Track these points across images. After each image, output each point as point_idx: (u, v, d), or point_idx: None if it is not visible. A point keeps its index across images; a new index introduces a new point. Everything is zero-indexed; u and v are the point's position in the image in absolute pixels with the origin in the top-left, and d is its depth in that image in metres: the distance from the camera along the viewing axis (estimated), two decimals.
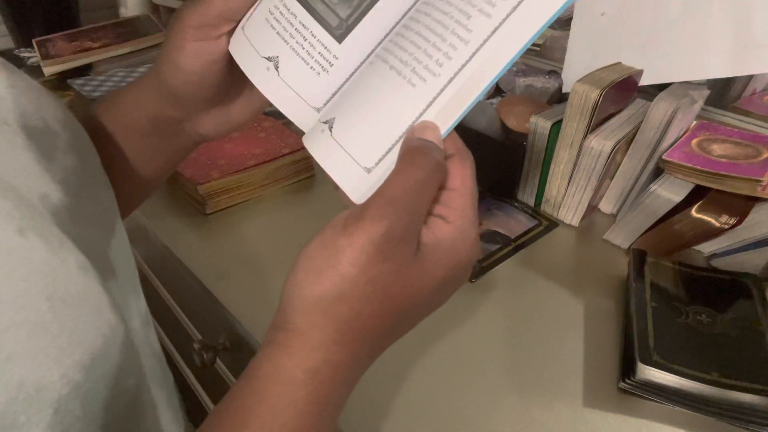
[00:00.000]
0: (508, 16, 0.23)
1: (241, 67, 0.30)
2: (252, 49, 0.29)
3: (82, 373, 0.19)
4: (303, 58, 0.28)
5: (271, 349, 0.24)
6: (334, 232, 0.23)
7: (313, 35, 0.28)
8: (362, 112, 0.26)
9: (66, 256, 0.19)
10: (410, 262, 0.23)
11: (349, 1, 0.27)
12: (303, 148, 0.83)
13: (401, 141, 0.25)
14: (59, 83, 0.98)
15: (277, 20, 0.28)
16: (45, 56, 0.99)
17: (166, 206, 0.71)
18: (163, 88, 0.33)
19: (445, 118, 0.25)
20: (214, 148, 0.73)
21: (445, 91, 0.24)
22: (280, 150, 0.73)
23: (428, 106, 0.25)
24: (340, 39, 0.27)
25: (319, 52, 0.28)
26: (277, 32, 0.28)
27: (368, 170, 0.25)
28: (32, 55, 1.10)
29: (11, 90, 0.24)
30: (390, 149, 0.25)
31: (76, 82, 0.95)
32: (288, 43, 0.28)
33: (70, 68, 0.98)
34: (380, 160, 0.25)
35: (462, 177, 0.25)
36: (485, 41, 0.23)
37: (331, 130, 0.26)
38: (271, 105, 0.34)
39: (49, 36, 1.06)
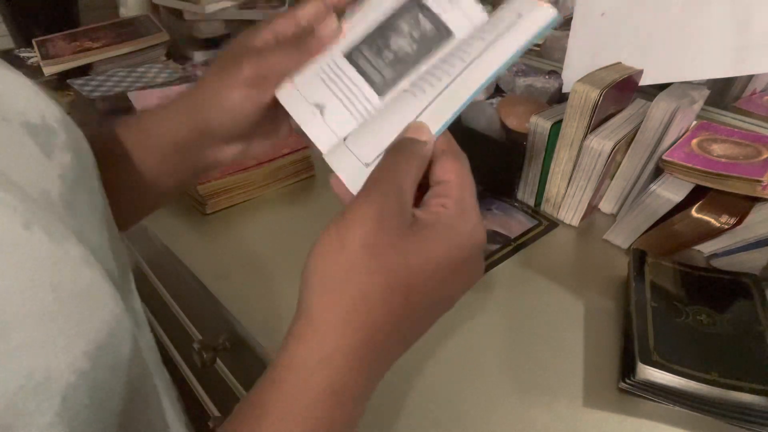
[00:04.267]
0: (471, 62, 0.30)
1: (288, 110, 0.33)
2: (300, 96, 0.33)
3: (89, 362, 0.19)
4: (347, 108, 0.32)
5: (288, 340, 0.25)
6: (335, 220, 0.26)
7: (360, 90, 0.32)
8: (372, 123, 0.31)
9: (70, 249, 0.20)
10: (405, 233, 0.25)
11: (395, 66, 0.33)
12: (303, 148, 0.83)
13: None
14: (59, 83, 0.98)
15: (328, 75, 0.33)
16: (45, 56, 0.99)
17: (166, 206, 0.71)
18: (199, 120, 0.35)
19: (435, 120, 0.29)
20: None
21: (433, 102, 0.29)
22: (280, 150, 0.73)
23: (422, 112, 0.29)
24: (381, 93, 0.32)
25: (362, 104, 0.32)
26: (327, 85, 0.33)
27: (367, 165, 0.29)
28: (32, 55, 1.10)
29: (11, 87, 0.24)
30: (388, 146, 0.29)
31: (76, 82, 0.95)
32: (336, 95, 0.32)
33: (70, 68, 0.98)
34: (378, 156, 0.29)
35: (457, 170, 0.28)
36: (464, 69, 0.30)
37: (345, 140, 0.31)
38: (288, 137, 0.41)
39: (49, 36, 1.05)
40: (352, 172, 0.29)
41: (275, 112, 0.35)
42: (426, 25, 0.33)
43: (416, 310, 0.26)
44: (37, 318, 0.18)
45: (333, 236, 0.25)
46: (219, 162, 0.39)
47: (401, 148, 0.28)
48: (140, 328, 0.31)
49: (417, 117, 0.29)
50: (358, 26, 0.34)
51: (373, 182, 0.26)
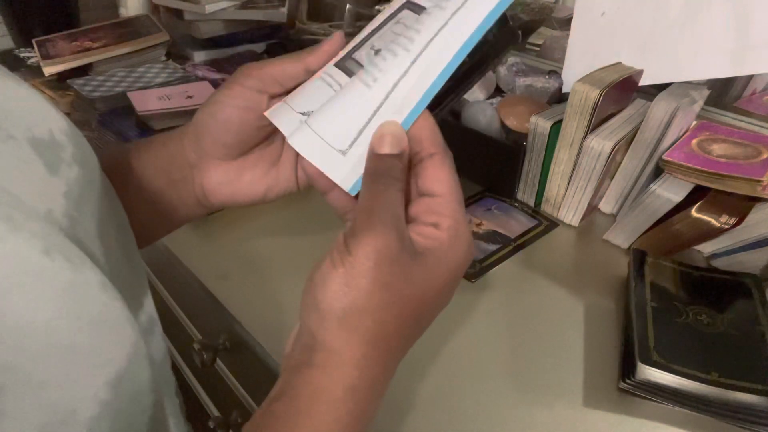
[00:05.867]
0: (434, 35, 0.28)
1: (272, 120, 0.32)
2: (289, 109, 0.32)
3: (111, 392, 0.19)
4: (312, 84, 0.31)
5: (309, 371, 0.26)
6: (339, 252, 0.26)
7: (330, 75, 0.31)
8: (334, 103, 0.30)
9: (89, 275, 0.19)
10: (411, 263, 0.26)
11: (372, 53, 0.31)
12: None
13: (370, 123, 0.29)
14: (59, 83, 0.98)
15: (329, 85, 0.32)
16: (45, 56, 0.99)
17: None
18: (191, 125, 0.35)
19: (402, 108, 0.29)
20: None
21: (398, 85, 0.28)
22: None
23: (386, 97, 0.29)
24: (350, 75, 0.31)
25: (328, 81, 0.31)
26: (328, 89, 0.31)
27: (344, 153, 0.29)
28: (32, 55, 1.10)
29: (18, 101, 0.24)
30: (361, 131, 0.29)
31: (76, 82, 0.94)
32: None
33: (70, 68, 0.98)
34: (353, 143, 0.29)
35: (447, 181, 0.27)
36: (424, 48, 0.29)
37: (307, 121, 0.30)
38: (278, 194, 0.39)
39: (49, 36, 1.05)
40: (329, 161, 0.29)
41: (262, 139, 0.35)
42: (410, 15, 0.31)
43: (423, 327, 0.28)
44: (61, 351, 0.17)
45: (342, 274, 0.25)
46: (206, 192, 0.37)
47: (383, 172, 0.27)
48: (153, 336, 0.31)
49: (384, 100, 0.28)
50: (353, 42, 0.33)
51: (369, 214, 0.26)
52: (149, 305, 0.31)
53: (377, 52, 0.30)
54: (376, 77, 0.29)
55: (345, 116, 0.29)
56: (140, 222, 0.34)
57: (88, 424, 0.18)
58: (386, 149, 0.28)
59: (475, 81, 0.34)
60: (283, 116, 0.32)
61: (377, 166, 0.28)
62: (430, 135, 0.28)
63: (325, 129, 0.29)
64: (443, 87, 0.32)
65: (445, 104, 0.33)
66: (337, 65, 0.32)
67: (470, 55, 0.32)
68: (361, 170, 0.29)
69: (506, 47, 0.34)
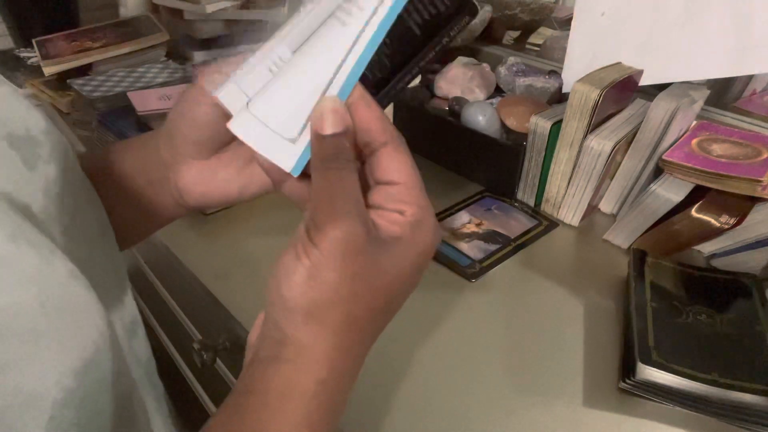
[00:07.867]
0: (371, 17, 0.27)
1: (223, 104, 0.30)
2: (240, 92, 0.30)
3: (76, 379, 0.19)
4: (254, 63, 0.30)
5: (278, 366, 0.25)
6: (303, 244, 0.25)
7: (272, 49, 0.30)
8: (276, 86, 0.28)
9: (56, 264, 0.19)
10: (378, 252, 0.25)
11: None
12: None
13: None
14: (59, 83, 0.98)
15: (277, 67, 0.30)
16: (45, 56, 0.99)
17: None
18: (164, 125, 0.35)
19: (337, 82, 0.27)
20: None
21: (346, 61, 0.27)
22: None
23: (334, 77, 0.27)
24: (293, 48, 0.30)
25: (271, 58, 0.30)
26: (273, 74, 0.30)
27: (293, 141, 0.27)
28: (32, 55, 1.10)
29: None
30: (310, 117, 0.27)
31: (76, 82, 0.95)
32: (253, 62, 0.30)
33: (70, 68, 0.98)
34: (303, 129, 0.27)
35: (404, 169, 0.27)
36: (365, 25, 0.27)
37: (248, 105, 0.28)
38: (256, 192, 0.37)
39: (49, 36, 1.06)
40: (278, 150, 0.27)
41: (230, 139, 0.34)
42: None
43: (392, 314, 0.28)
44: (25, 334, 0.17)
45: (307, 268, 0.24)
46: (181, 192, 0.36)
47: (333, 155, 0.26)
48: (137, 337, 0.31)
49: (331, 79, 0.27)
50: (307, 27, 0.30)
51: (330, 203, 0.25)
52: (131, 305, 0.31)
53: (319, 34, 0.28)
54: (320, 58, 0.27)
55: (292, 102, 0.27)
56: (122, 223, 0.34)
57: (51, 410, 0.18)
58: (330, 128, 0.26)
59: (431, 57, 0.32)
60: (235, 101, 0.30)
61: (325, 148, 0.26)
62: (379, 124, 0.27)
63: (270, 115, 0.28)
64: (393, 64, 0.30)
65: (396, 82, 0.31)
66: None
67: (419, 28, 0.30)
68: (306, 151, 0.27)
69: (461, 19, 0.31)
